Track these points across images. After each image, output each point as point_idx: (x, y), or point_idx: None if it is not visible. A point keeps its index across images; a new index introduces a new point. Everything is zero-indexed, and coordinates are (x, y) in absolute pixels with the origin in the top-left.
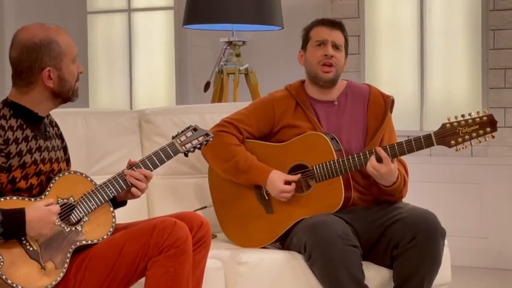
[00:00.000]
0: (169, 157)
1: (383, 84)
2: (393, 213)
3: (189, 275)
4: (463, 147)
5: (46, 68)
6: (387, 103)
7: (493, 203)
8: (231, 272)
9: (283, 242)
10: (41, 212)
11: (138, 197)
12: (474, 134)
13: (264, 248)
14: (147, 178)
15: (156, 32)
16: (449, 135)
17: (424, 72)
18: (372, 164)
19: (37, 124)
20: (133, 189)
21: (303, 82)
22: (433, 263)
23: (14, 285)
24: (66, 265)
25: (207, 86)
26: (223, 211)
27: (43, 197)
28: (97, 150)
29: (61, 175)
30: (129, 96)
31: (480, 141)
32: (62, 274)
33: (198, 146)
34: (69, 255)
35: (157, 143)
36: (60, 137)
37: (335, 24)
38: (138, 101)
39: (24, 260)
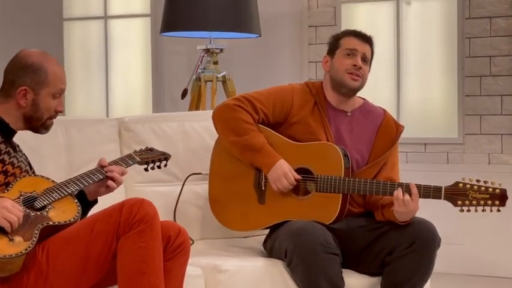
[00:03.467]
0: (127, 164)
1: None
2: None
3: (159, 250)
4: (467, 210)
5: (23, 87)
6: (398, 132)
7: None
8: (211, 279)
9: (266, 245)
10: None
11: (114, 188)
12: (482, 202)
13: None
14: (123, 174)
15: (133, 39)
16: (458, 194)
17: (400, 79)
18: (402, 197)
19: (8, 134)
20: (109, 182)
21: (322, 84)
22: (426, 272)
23: None
24: (34, 238)
25: (184, 94)
26: (217, 184)
27: (5, 191)
28: (77, 158)
29: (24, 175)
30: (105, 103)
31: (485, 210)
32: (31, 245)
33: (157, 159)
34: (36, 231)
35: None
36: (25, 154)
37: (367, 38)
38: (114, 108)
39: None
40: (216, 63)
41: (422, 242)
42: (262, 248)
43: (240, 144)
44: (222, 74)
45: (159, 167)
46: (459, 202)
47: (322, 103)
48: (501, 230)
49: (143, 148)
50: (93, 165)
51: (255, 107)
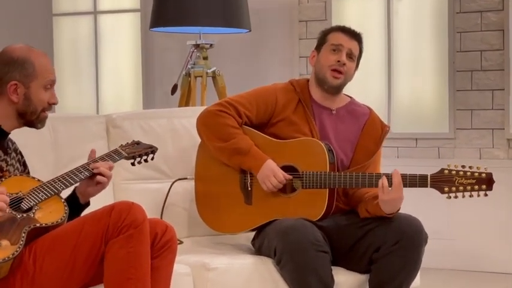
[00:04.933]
0: (114, 160)
1: (351, 86)
2: (376, 218)
3: (147, 256)
4: (454, 196)
5: (13, 81)
6: (383, 132)
7: (460, 205)
8: (199, 277)
9: (254, 243)
10: None
11: (105, 183)
12: (469, 188)
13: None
14: (110, 169)
15: (123, 34)
16: (445, 181)
17: (391, 74)
18: (386, 185)
19: (1, 138)
20: (99, 177)
21: (307, 81)
22: (414, 269)
23: None
24: (22, 242)
25: (174, 89)
26: (203, 188)
27: None
28: (64, 156)
29: (7, 177)
30: (95, 99)
31: (472, 196)
32: (18, 249)
33: (144, 153)
34: (23, 234)
35: None
36: (20, 153)
37: (355, 35)
38: (104, 104)
39: None
40: (206, 58)
41: (408, 239)
42: (251, 245)
43: (227, 149)
44: (212, 69)
45: (146, 160)
46: (446, 189)
47: (306, 100)
48: (492, 225)
49: (129, 142)
50: (81, 163)
51: (238, 110)
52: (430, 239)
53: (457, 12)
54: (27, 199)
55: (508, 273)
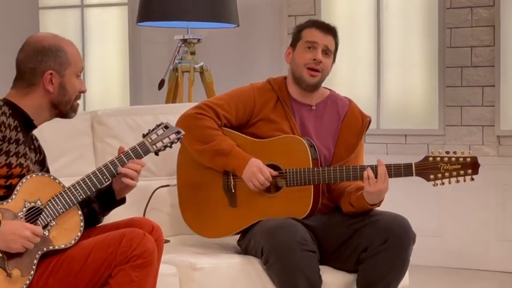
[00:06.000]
0: (139, 157)
1: (340, 82)
2: (363, 217)
3: (150, 287)
4: (440, 183)
5: (49, 71)
6: (364, 123)
7: (449, 202)
8: (186, 277)
9: (241, 243)
10: (14, 225)
11: (132, 185)
12: (454, 173)
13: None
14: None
15: (110, 28)
16: (430, 169)
17: (380, 70)
18: (372, 176)
19: (29, 131)
20: (124, 179)
21: (285, 78)
22: (402, 268)
23: None
24: (32, 272)
25: (161, 84)
26: (186, 194)
27: (9, 200)
28: (49, 153)
29: (28, 177)
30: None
31: (458, 181)
32: (28, 282)
33: (169, 144)
34: (35, 261)
35: (110, 145)
36: (39, 149)
37: (329, 29)
38: (91, 99)
39: None
40: (193, 53)
41: (395, 239)
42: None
43: (208, 151)
44: (200, 64)
45: (170, 146)
46: (431, 176)
47: (285, 98)
48: (481, 222)
49: (157, 126)
50: (65, 160)
51: (217, 113)
52: (418, 236)
53: (448, 8)
54: (46, 212)
55: (496, 271)
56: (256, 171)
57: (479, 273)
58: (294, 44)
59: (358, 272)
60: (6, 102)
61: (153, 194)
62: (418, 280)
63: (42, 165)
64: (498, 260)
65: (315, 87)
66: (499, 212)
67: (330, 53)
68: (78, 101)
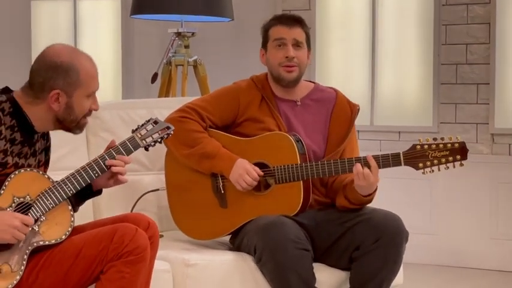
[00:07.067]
0: (129, 152)
1: (334, 78)
2: (356, 214)
3: (142, 283)
4: (430, 171)
5: (56, 90)
6: (353, 112)
7: (442, 199)
8: (179, 273)
9: (233, 241)
10: (3, 215)
11: (123, 181)
12: (443, 160)
13: (213, 245)
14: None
15: (102, 21)
16: (418, 157)
17: (375, 66)
18: (362, 170)
19: (30, 135)
20: (118, 176)
21: (267, 75)
22: (394, 267)
23: None
24: (22, 267)
25: (154, 78)
26: (176, 197)
27: None
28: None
29: (17, 172)
30: None
31: (448, 168)
32: (18, 277)
33: (159, 139)
34: (25, 257)
35: (103, 139)
36: (46, 150)
37: (293, 21)
38: None
39: None
40: (187, 47)
41: (388, 238)
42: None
43: (195, 155)
44: (194, 58)
45: (160, 142)
46: (420, 165)
47: (269, 96)
48: (475, 220)
49: (146, 121)
50: (58, 153)
51: (201, 115)
52: (412, 234)
53: (443, 5)
54: (35, 207)
55: (490, 269)
56: (242, 172)
57: (473, 271)
58: (264, 45)
59: (351, 270)
60: (11, 100)
61: (140, 198)
62: (412, 278)
63: (46, 165)
64: (491, 258)
65: (295, 82)
66: (492, 209)
67: (302, 44)
68: (87, 119)
